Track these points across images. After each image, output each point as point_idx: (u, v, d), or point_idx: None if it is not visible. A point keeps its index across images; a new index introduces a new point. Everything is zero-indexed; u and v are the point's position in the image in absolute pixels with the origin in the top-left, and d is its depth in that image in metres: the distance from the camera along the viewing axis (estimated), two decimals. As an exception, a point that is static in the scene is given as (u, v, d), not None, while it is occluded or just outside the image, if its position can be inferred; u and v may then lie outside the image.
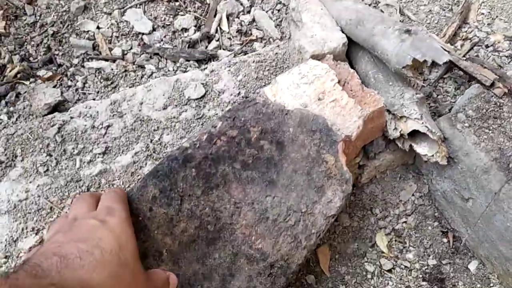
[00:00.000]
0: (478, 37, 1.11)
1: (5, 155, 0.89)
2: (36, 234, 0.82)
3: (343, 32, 0.99)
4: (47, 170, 0.89)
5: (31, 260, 0.47)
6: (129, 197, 0.74)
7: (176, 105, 1.01)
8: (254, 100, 0.83)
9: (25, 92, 1.06)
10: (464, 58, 1.00)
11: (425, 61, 0.82)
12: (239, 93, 1.03)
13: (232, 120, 0.81)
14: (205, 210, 0.76)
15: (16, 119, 1.02)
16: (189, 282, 0.74)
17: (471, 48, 1.09)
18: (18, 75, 1.10)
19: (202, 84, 1.04)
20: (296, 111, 0.83)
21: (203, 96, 1.03)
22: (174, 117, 0.99)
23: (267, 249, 0.78)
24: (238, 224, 0.77)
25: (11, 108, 1.03)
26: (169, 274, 0.69)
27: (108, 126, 0.96)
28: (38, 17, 1.19)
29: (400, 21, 1.13)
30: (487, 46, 1.09)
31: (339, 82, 0.91)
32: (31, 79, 1.09)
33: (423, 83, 1.04)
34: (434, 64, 0.83)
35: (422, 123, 0.86)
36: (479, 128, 0.86)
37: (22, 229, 0.82)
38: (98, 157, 0.92)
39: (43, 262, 0.47)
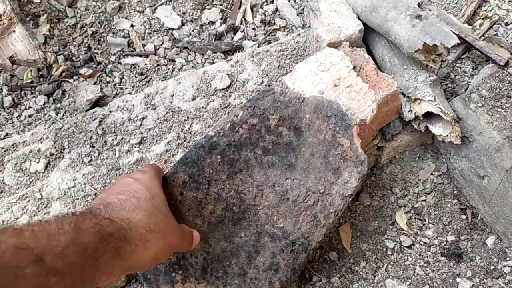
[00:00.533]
0: (498, 15, 1.11)
1: (55, 147, 1.01)
2: (84, 217, 0.93)
3: (359, 19, 1.03)
4: (91, 160, 1.00)
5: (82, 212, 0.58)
6: (162, 183, 0.82)
7: (204, 96, 1.09)
8: (272, 90, 0.89)
9: (70, 89, 1.17)
10: (482, 38, 1.02)
11: (435, 45, 0.85)
12: (262, 82, 1.09)
13: (252, 109, 0.87)
14: (230, 193, 0.83)
15: (63, 115, 1.14)
16: (218, 259, 0.83)
17: (491, 27, 1.09)
18: (63, 74, 1.21)
19: (228, 74, 1.11)
20: (312, 98, 0.88)
21: (228, 86, 1.10)
22: (202, 107, 1.07)
23: (289, 227, 0.85)
24: (261, 205, 0.84)
25: (58, 105, 1.15)
26: (193, 230, 0.77)
27: (143, 118, 1.06)
28: (78, 19, 1.29)
29: (419, 3, 1.14)
30: (506, 24, 1.09)
31: (354, 68, 0.95)
32: (75, 77, 1.20)
33: (441, 64, 1.06)
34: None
35: (435, 104, 0.89)
36: (492, 107, 0.89)
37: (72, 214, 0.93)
38: (135, 147, 1.02)
39: (91, 211, 0.57)
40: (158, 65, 1.23)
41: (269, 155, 0.85)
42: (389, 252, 0.99)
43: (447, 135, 0.91)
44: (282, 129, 0.87)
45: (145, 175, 0.70)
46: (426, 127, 0.94)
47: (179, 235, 0.69)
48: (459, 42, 0.83)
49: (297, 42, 1.14)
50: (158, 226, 0.60)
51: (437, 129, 0.93)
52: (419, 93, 0.91)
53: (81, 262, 0.46)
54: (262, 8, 1.30)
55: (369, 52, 1.05)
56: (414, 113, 0.93)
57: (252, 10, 1.30)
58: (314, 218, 0.85)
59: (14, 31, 0.93)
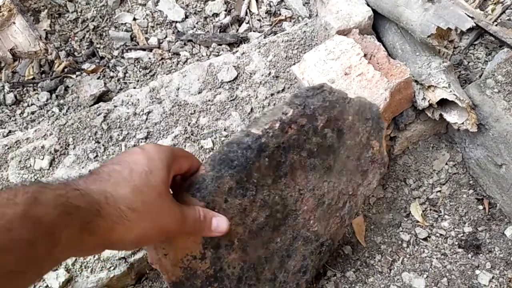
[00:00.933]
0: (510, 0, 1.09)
1: (59, 144, 0.98)
2: (90, 214, 0.90)
3: (368, 5, 1.00)
4: (97, 156, 0.97)
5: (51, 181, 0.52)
6: (205, 187, 0.70)
7: (210, 89, 1.06)
8: (322, 88, 0.80)
9: (73, 85, 1.15)
10: (495, 23, 0.99)
11: (449, 28, 0.83)
12: (269, 73, 1.07)
13: (302, 107, 0.77)
14: (275, 198, 0.76)
15: (67, 111, 1.11)
16: (253, 267, 0.77)
17: (503, 12, 1.07)
18: (65, 70, 1.18)
19: (234, 66, 1.08)
20: (356, 99, 0.81)
21: (235, 78, 1.07)
22: (209, 100, 1.05)
23: (321, 230, 0.81)
24: (300, 210, 0.79)
25: (61, 101, 1.12)
26: (216, 214, 0.66)
27: (149, 112, 1.03)
28: (79, 14, 1.27)
29: (429, -11, 1.11)
30: (520, 9, 1.06)
31: (365, 55, 0.92)
32: (77, 73, 1.18)
33: (454, 50, 1.03)
34: (462, 31, 0.83)
35: (450, 91, 0.87)
36: (509, 93, 0.86)
37: (78, 210, 0.91)
38: (141, 142, 0.99)
39: (67, 180, 0.51)
40: (162, 58, 1.20)
41: (312, 158, 0.78)
42: (404, 245, 0.96)
43: (462, 123, 0.89)
44: (328, 131, 0.79)
45: (156, 147, 0.60)
46: (441, 115, 0.92)
47: (177, 218, 0.60)
48: (474, 25, 0.80)
49: (304, 31, 1.11)
50: (145, 205, 0.53)
51: (452, 117, 0.90)
52: (433, 80, 0.88)
53: (31, 238, 0.41)
54: (267, -1, 1.28)
55: (379, 39, 1.02)
56: (428, 101, 0.90)
57: (257, 1, 1.27)
58: (341, 219, 0.83)
59: (14, 23, 0.90)
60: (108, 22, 1.25)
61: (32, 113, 1.10)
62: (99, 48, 1.22)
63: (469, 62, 1.03)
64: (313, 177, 0.79)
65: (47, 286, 0.82)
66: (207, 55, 1.20)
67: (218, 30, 1.23)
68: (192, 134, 1.00)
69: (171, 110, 1.03)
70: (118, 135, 1.00)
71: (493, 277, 0.90)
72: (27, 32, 0.90)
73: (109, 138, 0.99)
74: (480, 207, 0.97)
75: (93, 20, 1.25)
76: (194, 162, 0.67)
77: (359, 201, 0.82)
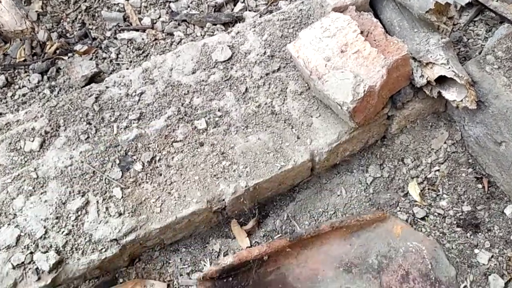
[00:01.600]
0: (512, -26, 1.06)
1: (50, 126, 0.96)
2: (82, 196, 0.89)
3: (365, -19, 0.97)
4: (88, 137, 0.95)
5: None
6: None
7: (204, 69, 1.04)
8: None
9: (64, 66, 1.13)
10: (496, -2, 0.96)
11: (447, 3, 0.80)
12: (264, 53, 1.04)
13: None
14: None
15: (58, 92, 1.09)
16: None
17: (504, -13, 1.04)
18: (57, 51, 1.16)
19: (229, 46, 1.06)
20: None
21: (230, 58, 1.05)
22: (203, 81, 1.03)
23: None
24: None
25: (53, 83, 1.10)
26: None
27: (141, 93, 1.01)
28: (71, -6, 1.24)
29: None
30: (521, -17, 1.03)
31: (362, 32, 0.90)
32: (69, 54, 1.15)
33: (453, 27, 1.01)
34: (462, 6, 0.81)
35: (449, 68, 0.84)
36: (509, 69, 0.84)
37: (70, 193, 0.89)
38: (133, 123, 0.97)
39: None
40: (155, 39, 1.18)
41: None
42: (402, 225, 0.95)
43: (461, 100, 0.87)
44: None
45: None
46: (439, 93, 0.90)
47: None
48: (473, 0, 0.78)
49: (300, 10, 1.09)
50: None
51: (450, 95, 0.88)
52: (431, 57, 0.86)
53: None
54: (263, -23, 1.25)
55: (377, 16, 1.00)
56: (426, 78, 0.88)
57: (252, -21, 1.25)
58: None
59: (0, 2, 0.87)
60: (100, 2, 1.23)
61: (23, 95, 1.09)
62: (91, 29, 1.20)
63: (468, 39, 1.01)
64: None
65: (37, 268, 0.81)
66: (201, 35, 1.18)
67: (213, 10, 1.21)
68: (185, 115, 0.98)
69: (164, 91, 1.01)
70: (110, 116, 0.98)
71: (492, 256, 0.89)
72: (13, 10, 0.87)
73: (101, 119, 0.98)
74: (479, 186, 0.96)
75: (85, 1, 1.23)
76: None
77: None
